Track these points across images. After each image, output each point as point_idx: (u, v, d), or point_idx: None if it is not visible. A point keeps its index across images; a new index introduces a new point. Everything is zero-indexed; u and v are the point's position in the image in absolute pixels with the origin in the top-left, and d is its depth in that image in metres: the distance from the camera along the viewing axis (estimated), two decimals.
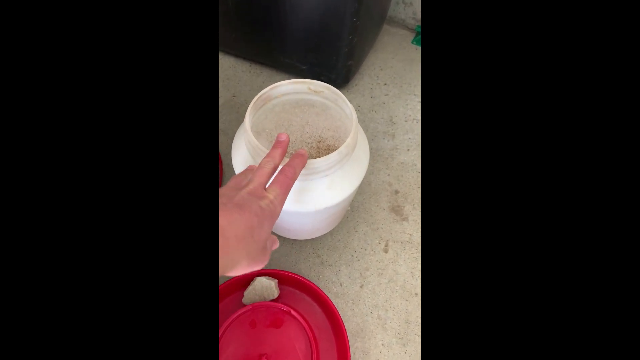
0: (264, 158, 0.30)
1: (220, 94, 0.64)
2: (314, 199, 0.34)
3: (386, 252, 0.49)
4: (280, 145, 0.31)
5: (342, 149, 0.32)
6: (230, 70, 0.68)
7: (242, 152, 0.36)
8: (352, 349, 0.42)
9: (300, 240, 0.50)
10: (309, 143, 0.41)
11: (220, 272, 0.23)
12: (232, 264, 0.24)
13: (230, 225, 0.24)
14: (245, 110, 0.35)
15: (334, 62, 0.59)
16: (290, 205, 0.34)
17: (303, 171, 0.33)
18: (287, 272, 0.44)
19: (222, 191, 0.27)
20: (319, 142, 0.41)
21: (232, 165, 0.56)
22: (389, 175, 0.56)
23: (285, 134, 0.32)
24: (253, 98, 0.36)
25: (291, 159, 0.31)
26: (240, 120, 0.60)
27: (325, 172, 0.33)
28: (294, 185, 0.34)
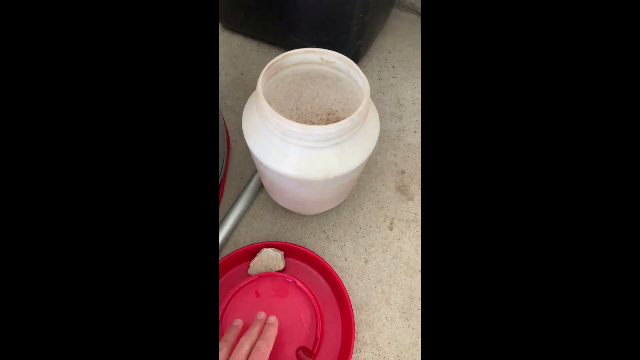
0: (243, 336, 0.33)
1: (228, 72, 0.64)
2: (325, 167, 0.34)
3: (391, 229, 0.50)
4: (257, 324, 0.35)
5: (354, 116, 0.33)
6: (239, 49, 0.67)
7: (254, 119, 0.36)
8: (356, 321, 0.42)
9: (306, 216, 0.50)
10: (318, 115, 0.41)
11: None
12: None
13: None
14: (253, 89, 0.35)
15: (343, 42, 0.59)
16: (300, 173, 0.35)
17: (314, 138, 0.33)
18: (293, 244, 0.44)
19: None
20: (329, 114, 0.41)
21: (239, 142, 0.56)
22: (395, 155, 0.56)
23: (262, 314, 0.37)
24: (258, 80, 0.36)
25: (264, 332, 0.34)
26: (247, 97, 0.60)
27: (336, 140, 0.34)
28: (304, 154, 0.34)
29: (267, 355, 0.32)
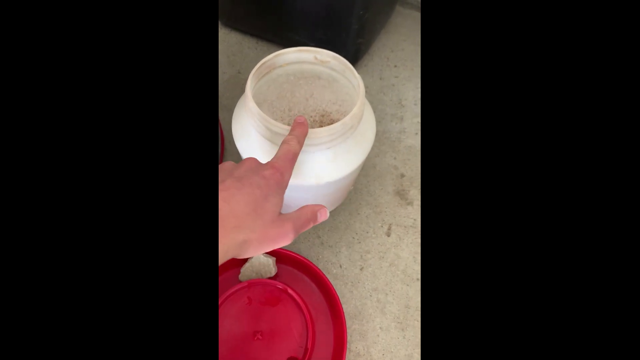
0: (287, 136, 0.28)
1: (225, 70, 0.63)
2: (315, 172, 0.33)
3: (389, 235, 0.48)
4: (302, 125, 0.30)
5: (346, 119, 0.31)
6: (237, 46, 0.66)
7: (243, 121, 0.35)
8: (349, 331, 0.41)
9: None
10: (312, 117, 0.39)
11: (226, 256, 0.21)
12: (235, 244, 0.21)
13: (226, 201, 0.21)
14: None
15: (343, 40, 0.57)
16: (290, 177, 0.33)
17: (304, 141, 0.31)
18: (285, 250, 0.43)
19: (221, 166, 0.25)
20: (323, 116, 0.39)
21: (234, 142, 0.55)
22: (395, 158, 0.54)
23: (302, 118, 0.30)
24: (247, 80, 0.34)
25: (292, 129, 0.29)
26: None
27: (327, 144, 0.32)
28: None
29: (297, 152, 0.28)
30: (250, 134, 0.34)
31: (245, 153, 0.34)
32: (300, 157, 0.33)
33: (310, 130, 0.30)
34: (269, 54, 0.35)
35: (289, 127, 0.30)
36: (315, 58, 0.37)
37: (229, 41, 0.67)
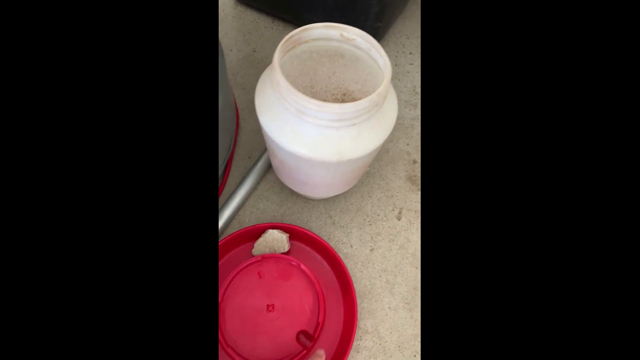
0: None
1: (240, 48, 0.62)
2: (339, 149, 0.33)
3: (399, 219, 0.48)
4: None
5: (373, 96, 0.31)
6: (252, 24, 0.65)
7: (267, 95, 0.35)
8: (358, 309, 0.42)
9: (313, 200, 0.49)
10: (333, 94, 0.39)
11: None
12: None
13: None
14: (266, 67, 0.33)
15: (361, 23, 0.56)
16: (314, 153, 0.33)
17: (331, 117, 0.31)
18: (299, 227, 0.43)
19: None
20: (344, 94, 0.39)
21: (248, 120, 0.55)
22: (408, 144, 0.55)
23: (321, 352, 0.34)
24: (274, 53, 0.34)
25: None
26: (259, 75, 0.58)
27: (352, 121, 0.32)
28: (319, 133, 0.33)
29: None
30: (274, 108, 0.34)
31: (268, 127, 0.34)
32: (324, 133, 0.33)
33: (339, 105, 0.30)
34: (285, 34, 0.35)
35: (317, 102, 0.30)
36: (342, 35, 0.36)
37: (244, 19, 0.66)
